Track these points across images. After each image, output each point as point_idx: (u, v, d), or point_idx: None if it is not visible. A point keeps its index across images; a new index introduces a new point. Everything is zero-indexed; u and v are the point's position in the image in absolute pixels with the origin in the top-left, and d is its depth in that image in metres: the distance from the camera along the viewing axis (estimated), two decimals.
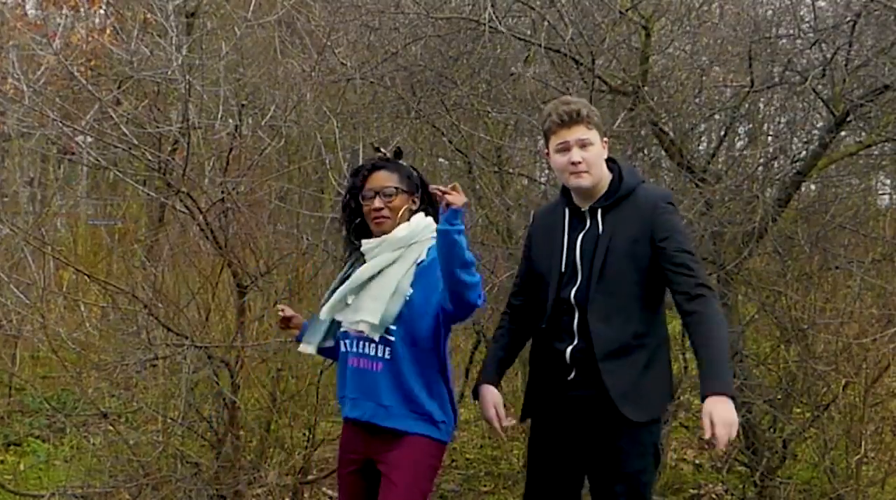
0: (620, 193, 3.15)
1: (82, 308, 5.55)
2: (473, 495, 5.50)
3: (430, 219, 3.24)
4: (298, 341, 3.38)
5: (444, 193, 2.90)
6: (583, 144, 3.11)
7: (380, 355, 3.15)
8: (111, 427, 5.07)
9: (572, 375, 3.15)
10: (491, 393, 3.30)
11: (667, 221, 3.10)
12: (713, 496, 5.42)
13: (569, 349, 3.14)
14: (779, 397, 5.07)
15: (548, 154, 3.23)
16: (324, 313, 3.24)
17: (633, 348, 3.09)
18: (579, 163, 3.10)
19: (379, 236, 3.21)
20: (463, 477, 5.73)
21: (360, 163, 3.41)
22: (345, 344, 3.24)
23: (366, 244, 3.24)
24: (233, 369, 4.70)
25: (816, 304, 5.17)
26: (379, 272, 3.15)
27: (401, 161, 3.30)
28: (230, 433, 4.76)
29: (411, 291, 3.12)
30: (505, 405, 3.34)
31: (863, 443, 5.03)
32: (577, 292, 3.13)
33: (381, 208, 3.20)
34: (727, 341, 2.99)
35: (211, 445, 4.87)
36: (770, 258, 5.30)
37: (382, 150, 3.33)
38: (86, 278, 5.42)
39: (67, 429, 5.89)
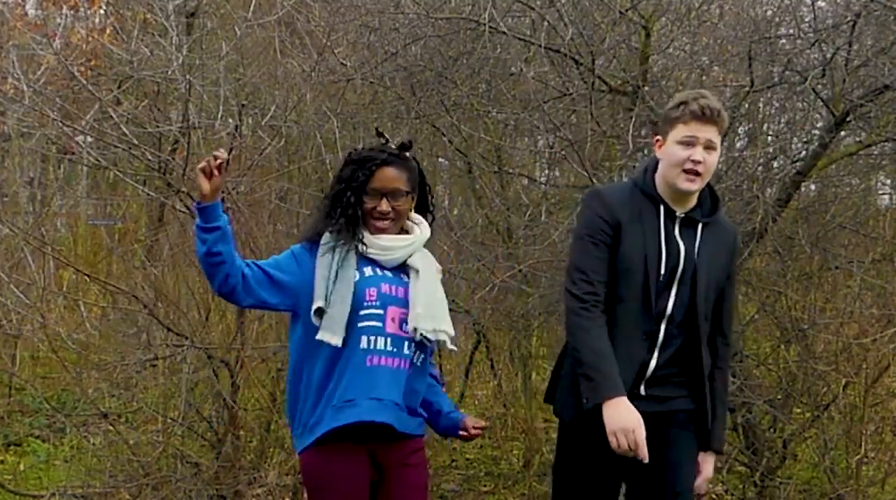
0: (718, 214, 3.03)
1: (82, 308, 5.56)
2: (473, 495, 5.50)
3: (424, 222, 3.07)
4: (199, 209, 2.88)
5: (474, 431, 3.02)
6: (709, 146, 2.90)
7: (416, 360, 2.96)
8: (111, 427, 5.07)
9: (642, 389, 2.96)
10: (630, 413, 2.83)
11: (736, 260, 3.12)
12: (713, 496, 5.42)
13: (654, 362, 2.95)
14: (779, 397, 5.07)
15: (659, 143, 2.97)
16: (419, 323, 2.90)
17: (708, 373, 3.05)
18: (700, 163, 2.87)
19: (376, 235, 2.95)
20: (463, 477, 5.73)
21: (366, 152, 3.02)
22: (376, 340, 2.90)
23: (389, 241, 2.96)
24: (233, 370, 4.70)
25: (816, 304, 5.17)
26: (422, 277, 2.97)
27: (408, 155, 3.02)
28: (230, 433, 4.76)
29: None
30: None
31: (863, 443, 5.03)
32: (674, 306, 2.95)
33: (388, 212, 2.93)
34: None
35: (211, 445, 4.88)
36: (770, 258, 5.29)
37: (386, 137, 3.03)
38: (86, 278, 5.43)
39: (67, 429, 5.89)
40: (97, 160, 4.94)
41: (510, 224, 5.59)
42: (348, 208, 2.93)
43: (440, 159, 6.76)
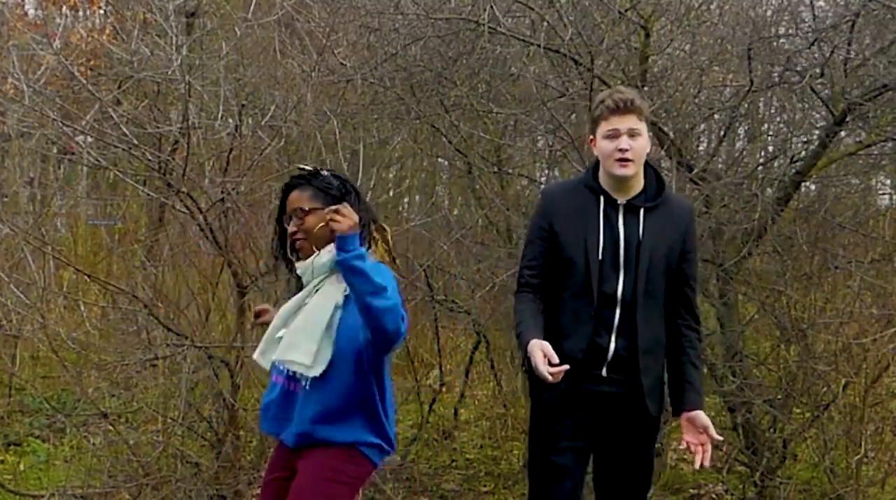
0: (662, 197, 3.21)
1: (82, 308, 5.55)
2: (473, 495, 5.50)
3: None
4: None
5: (330, 219, 2.81)
6: (633, 134, 3.12)
7: (296, 376, 3.04)
8: (111, 427, 5.07)
9: (604, 371, 3.19)
10: (539, 343, 3.06)
11: (694, 237, 3.29)
12: (713, 496, 5.42)
13: (612, 346, 3.17)
14: (779, 397, 5.07)
15: (592, 141, 3.22)
16: (258, 356, 3.10)
17: (659, 347, 3.25)
18: (627, 151, 3.11)
19: (305, 258, 3.07)
20: (463, 477, 5.73)
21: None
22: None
23: (299, 270, 3.10)
24: (233, 369, 4.70)
25: (816, 304, 5.18)
26: (304, 304, 3.02)
27: (323, 171, 3.10)
28: (230, 433, 4.76)
29: (337, 327, 2.97)
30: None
31: (863, 443, 5.03)
32: (623, 289, 3.16)
33: (295, 232, 3.05)
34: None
35: (211, 445, 4.88)
36: (770, 258, 5.30)
37: (301, 167, 3.17)
38: (86, 278, 5.42)
39: (67, 429, 5.89)
40: (97, 160, 4.92)
41: (510, 224, 5.59)
42: (280, 238, 3.15)
43: (440, 159, 6.77)
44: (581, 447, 3.27)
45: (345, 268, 2.82)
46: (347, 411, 3.01)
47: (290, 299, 3.10)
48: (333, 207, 2.83)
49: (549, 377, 2.95)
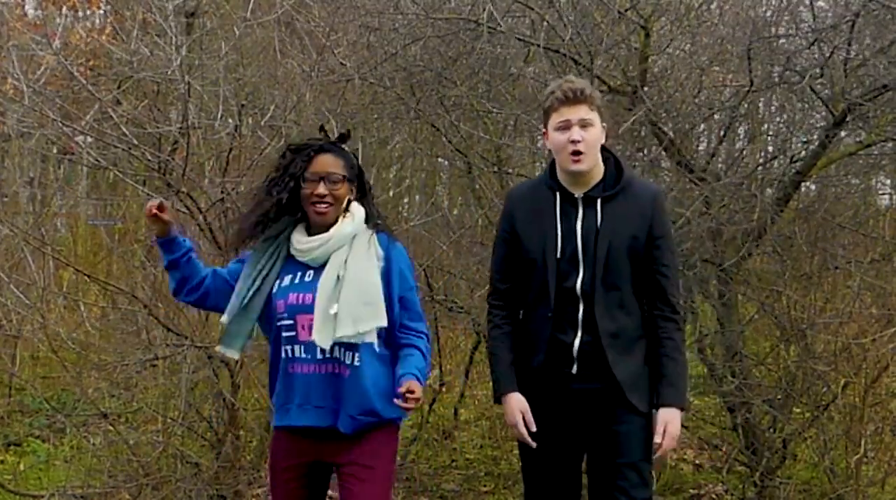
0: (621, 185, 3.12)
1: (82, 308, 5.55)
2: (473, 495, 5.50)
3: (363, 210, 3.06)
4: (170, 266, 3.08)
5: (406, 400, 2.85)
6: (584, 124, 3.06)
7: (349, 361, 2.95)
8: (111, 427, 5.07)
9: (575, 368, 3.12)
10: (517, 400, 3.19)
11: (663, 222, 3.16)
12: (713, 496, 5.42)
13: (576, 342, 3.10)
14: (779, 397, 5.07)
15: (545, 134, 3.16)
16: (317, 336, 2.91)
17: (634, 340, 3.15)
18: (579, 142, 3.04)
19: (317, 224, 2.99)
20: (463, 477, 5.73)
21: (303, 142, 3.11)
22: (291, 350, 2.99)
23: (304, 243, 3.00)
24: (233, 369, 4.70)
25: (816, 304, 5.18)
26: (343, 274, 2.93)
27: (345, 146, 3.10)
28: (230, 433, 4.76)
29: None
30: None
31: (863, 443, 5.03)
32: (582, 283, 3.09)
33: (326, 195, 2.97)
34: (686, 358, 3.21)
35: (211, 445, 4.88)
36: (769, 258, 5.30)
37: (327, 130, 3.13)
38: (86, 278, 5.42)
39: (67, 429, 5.89)
40: (97, 160, 4.93)
41: None
42: (281, 192, 2.98)
43: (440, 159, 6.77)
44: (572, 450, 3.21)
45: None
46: (391, 385, 2.99)
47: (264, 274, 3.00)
48: (413, 394, 2.86)
49: (530, 443, 3.10)
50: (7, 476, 5.36)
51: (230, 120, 5.01)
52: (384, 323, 2.93)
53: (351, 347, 2.94)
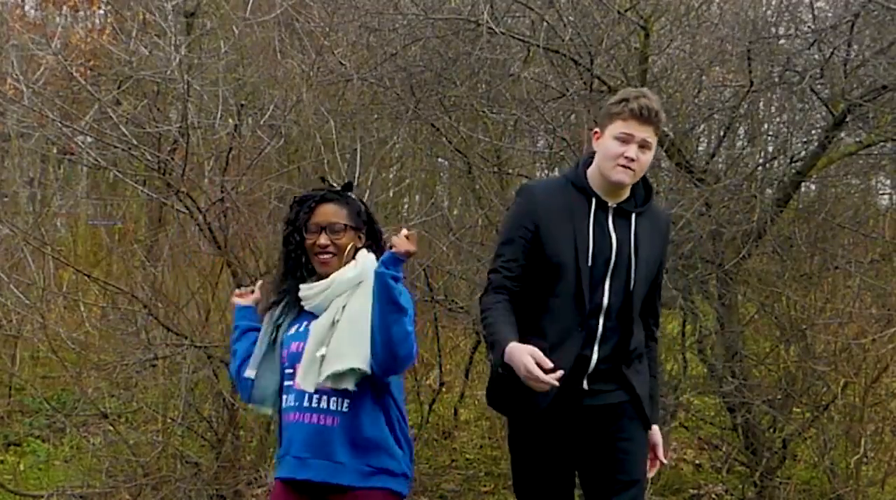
0: (648, 204, 3.06)
1: (82, 308, 5.55)
2: (473, 495, 5.50)
3: (373, 256, 2.98)
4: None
5: (397, 237, 2.75)
6: (644, 146, 2.95)
7: (336, 408, 2.86)
8: (111, 427, 5.07)
9: (585, 384, 2.99)
10: (524, 346, 2.84)
11: (667, 249, 3.20)
12: (713, 496, 5.42)
13: (594, 357, 2.98)
14: (778, 397, 5.07)
15: (597, 135, 3.02)
16: (301, 379, 2.85)
17: (642, 356, 3.11)
18: (633, 161, 2.92)
19: (323, 275, 2.96)
20: (463, 477, 5.73)
21: (307, 193, 3.08)
22: (286, 398, 2.92)
23: (306, 290, 2.96)
24: None
25: (816, 304, 5.18)
26: (337, 320, 2.88)
27: (350, 194, 3.04)
28: (230, 432, 4.77)
29: None
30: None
31: (863, 443, 5.04)
32: (609, 297, 2.97)
33: (328, 246, 2.94)
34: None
35: (211, 445, 4.88)
36: (769, 258, 5.29)
37: (330, 180, 3.15)
38: (86, 278, 5.42)
39: (67, 429, 5.89)
40: (97, 160, 4.93)
41: None
42: (295, 249, 2.98)
43: (440, 159, 6.77)
44: (567, 465, 3.09)
45: (381, 283, 2.76)
46: (386, 437, 2.90)
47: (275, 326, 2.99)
48: (409, 232, 2.76)
49: (547, 385, 2.76)
50: (7, 476, 5.36)
51: (230, 120, 5.02)
52: (366, 368, 2.82)
53: (340, 394, 2.86)
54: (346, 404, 2.86)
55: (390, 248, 2.77)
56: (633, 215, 3.01)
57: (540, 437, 3.04)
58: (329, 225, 2.95)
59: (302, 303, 2.99)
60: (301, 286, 2.98)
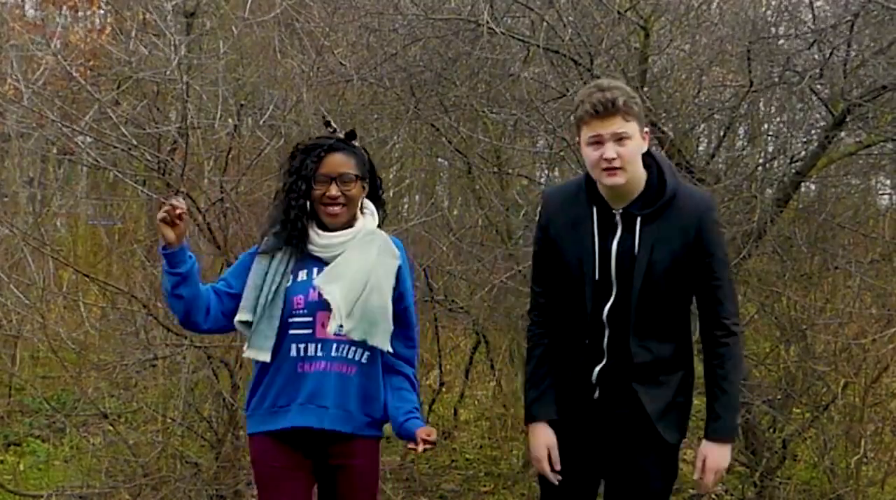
0: (661, 201, 2.83)
1: (82, 308, 5.55)
2: (473, 495, 5.50)
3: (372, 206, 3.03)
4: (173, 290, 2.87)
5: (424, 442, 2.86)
6: (619, 138, 2.76)
7: (355, 358, 2.91)
8: (111, 427, 5.07)
9: (597, 394, 2.93)
10: (545, 434, 2.95)
11: (711, 239, 2.85)
12: (713, 496, 5.42)
13: (596, 369, 2.90)
14: (778, 397, 5.07)
15: (579, 143, 2.88)
16: (340, 323, 2.84)
17: (668, 368, 2.93)
18: (614, 159, 2.74)
19: (329, 225, 2.93)
20: (463, 477, 5.73)
21: (312, 141, 3.03)
22: (305, 347, 2.90)
23: (328, 238, 2.92)
24: (233, 370, 4.70)
25: (816, 304, 5.17)
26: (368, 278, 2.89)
27: (355, 143, 3.01)
28: (230, 433, 4.76)
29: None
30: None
31: (863, 443, 5.03)
32: (611, 309, 2.85)
33: (338, 197, 2.90)
34: (740, 385, 2.94)
35: (211, 445, 4.88)
36: (769, 258, 5.29)
37: (334, 126, 3.04)
38: (85, 278, 5.42)
39: (67, 429, 5.89)
40: (97, 160, 4.93)
41: (509, 225, 5.59)
42: (300, 198, 2.91)
43: (440, 159, 6.77)
44: (591, 476, 3.02)
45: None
46: (381, 388, 2.97)
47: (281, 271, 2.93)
48: (430, 436, 2.89)
49: (552, 480, 2.92)
50: (7, 476, 5.36)
51: (229, 120, 5.02)
52: (388, 348, 2.93)
53: (359, 345, 2.91)
54: (365, 356, 2.92)
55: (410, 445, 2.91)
56: (639, 219, 2.83)
57: (563, 449, 2.98)
58: (339, 175, 2.91)
59: (313, 250, 2.93)
60: (318, 234, 2.93)
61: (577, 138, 2.89)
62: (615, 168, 2.77)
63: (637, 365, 2.87)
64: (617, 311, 2.86)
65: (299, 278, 2.93)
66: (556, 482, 2.92)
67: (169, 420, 4.98)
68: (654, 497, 2.98)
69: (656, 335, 2.88)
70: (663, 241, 2.83)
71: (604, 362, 2.90)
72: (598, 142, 2.78)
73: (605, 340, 2.89)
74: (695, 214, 2.85)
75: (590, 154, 2.80)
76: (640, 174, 2.85)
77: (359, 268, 2.89)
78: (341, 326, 2.85)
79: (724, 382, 2.89)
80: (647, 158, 2.88)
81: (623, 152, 2.76)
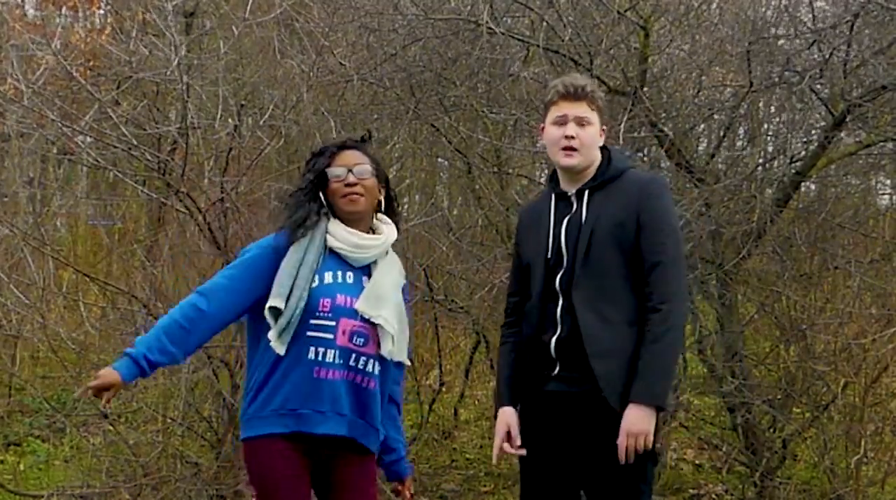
0: (607, 176, 2.99)
1: (82, 308, 5.55)
2: (473, 495, 5.50)
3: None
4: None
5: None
6: (581, 122, 2.96)
7: (373, 371, 2.89)
8: (111, 427, 5.07)
9: (556, 370, 2.94)
10: (505, 414, 3.04)
11: (653, 207, 2.94)
12: (713, 496, 5.42)
13: (553, 340, 2.93)
14: (778, 397, 5.07)
15: (543, 128, 3.06)
16: (360, 306, 2.83)
17: (624, 336, 2.90)
18: (573, 138, 2.93)
19: (350, 216, 2.91)
20: (463, 477, 5.73)
21: (325, 143, 3.08)
22: (322, 353, 2.83)
23: (359, 236, 2.90)
24: (233, 369, 4.70)
25: (816, 304, 5.18)
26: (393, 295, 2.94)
27: (368, 145, 3.05)
28: (230, 433, 4.76)
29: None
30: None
31: (863, 443, 5.03)
32: (561, 277, 2.94)
33: (355, 184, 2.89)
34: (670, 354, 2.92)
35: (211, 445, 4.88)
36: (769, 258, 5.30)
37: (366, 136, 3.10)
38: (85, 278, 5.42)
39: (67, 429, 5.89)
40: (97, 160, 4.93)
41: (509, 225, 5.58)
42: (314, 191, 2.92)
43: (440, 159, 6.77)
44: (568, 461, 2.98)
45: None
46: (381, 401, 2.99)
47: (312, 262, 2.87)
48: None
49: (495, 456, 3.05)
50: (7, 476, 5.36)
51: (229, 120, 5.02)
52: (406, 362, 3.01)
53: (375, 357, 2.89)
54: (378, 369, 2.90)
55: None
56: (586, 192, 2.98)
57: (536, 433, 3.01)
58: (354, 166, 2.92)
59: (341, 250, 2.90)
60: (348, 232, 2.89)
61: (542, 124, 3.06)
62: (573, 149, 2.96)
63: (586, 327, 2.90)
64: (567, 278, 2.96)
65: (326, 281, 2.86)
66: (518, 454, 3.00)
67: (169, 420, 4.98)
68: (631, 480, 2.93)
69: (608, 302, 2.92)
70: (607, 209, 2.96)
71: (558, 331, 2.95)
72: (562, 122, 2.98)
73: (559, 308, 2.95)
74: (638, 186, 3.00)
75: (552, 133, 3.00)
76: (594, 159, 3.03)
77: (394, 290, 2.94)
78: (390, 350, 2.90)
79: (651, 344, 2.86)
80: (603, 150, 3.07)
81: (582, 135, 2.97)
